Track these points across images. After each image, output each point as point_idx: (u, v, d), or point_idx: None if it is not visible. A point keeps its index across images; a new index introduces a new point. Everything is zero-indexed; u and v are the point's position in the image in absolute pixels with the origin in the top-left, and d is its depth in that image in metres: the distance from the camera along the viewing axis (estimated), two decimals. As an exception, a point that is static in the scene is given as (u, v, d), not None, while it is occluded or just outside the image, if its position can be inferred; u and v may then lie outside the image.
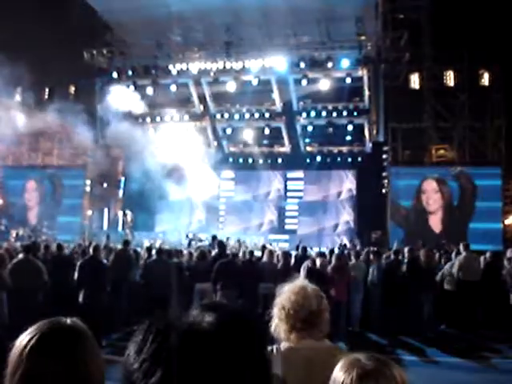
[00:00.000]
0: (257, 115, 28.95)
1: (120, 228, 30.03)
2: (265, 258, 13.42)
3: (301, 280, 3.08)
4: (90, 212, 30.62)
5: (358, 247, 20.68)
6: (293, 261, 13.74)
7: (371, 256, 14.31)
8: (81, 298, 11.29)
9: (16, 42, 26.99)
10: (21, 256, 11.18)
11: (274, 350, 2.83)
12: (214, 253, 14.48)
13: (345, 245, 21.65)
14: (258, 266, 13.25)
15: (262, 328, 1.10)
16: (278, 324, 2.90)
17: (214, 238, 19.40)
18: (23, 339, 1.52)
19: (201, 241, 23.32)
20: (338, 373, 1.90)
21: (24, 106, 32.76)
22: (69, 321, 1.61)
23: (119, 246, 14.95)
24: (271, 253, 13.60)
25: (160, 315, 1.03)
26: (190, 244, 20.84)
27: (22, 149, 34.88)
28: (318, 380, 2.66)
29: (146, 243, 21.82)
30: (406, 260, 14.00)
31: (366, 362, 1.88)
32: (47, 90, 31.26)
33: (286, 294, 2.94)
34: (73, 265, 12.02)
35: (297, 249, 16.42)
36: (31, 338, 1.51)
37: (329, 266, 12.22)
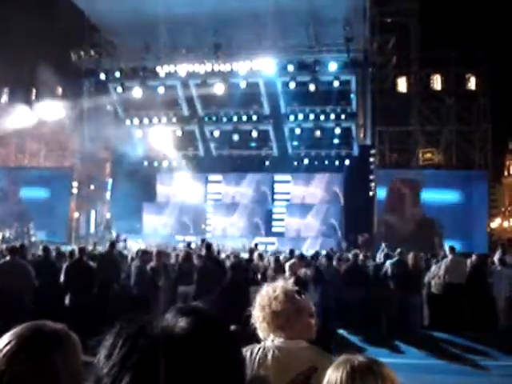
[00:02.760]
0: (245, 118, 28.87)
1: (102, 229, 29.91)
2: (255, 261, 13.40)
3: (280, 281, 3.09)
4: (76, 214, 30.49)
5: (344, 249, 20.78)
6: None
7: (323, 259, 14.42)
8: (67, 301, 11.25)
9: (3, 42, 26.85)
10: (7, 258, 11.11)
11: (249, 352, 2.84)
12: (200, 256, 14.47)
13: (331, 248, 21.63)
14: (246, 268, 13.19)
15: (237, 333, 1.09)
16: (258, 323, 2.93)
17: (203, 240, 19.40)
18: (2, 342, 1.51)
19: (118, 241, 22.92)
20: (331, 372, 1.93)
21: (11, 107, 32.58)
22: (49, 325, 1.61)
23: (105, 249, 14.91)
24: (261, 256, 13.63)
25: (132, 319, 1.01)
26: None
27: (8, 150, 34.69)
28: (285, 381, 2.70)
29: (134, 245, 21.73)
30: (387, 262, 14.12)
31: (356, 360, 1.91)
32: (34, 90, 31.11)
33: (264, 294, 2.95)
34: (59, 267, 11.97)
35: (291, 253, 16.20)
36: (10, 342, 1.50)
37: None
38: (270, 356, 2.79)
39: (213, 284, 11.50)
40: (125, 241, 23.68)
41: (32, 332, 1.55)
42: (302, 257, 13.89)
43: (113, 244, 14.14)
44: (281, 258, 14.67)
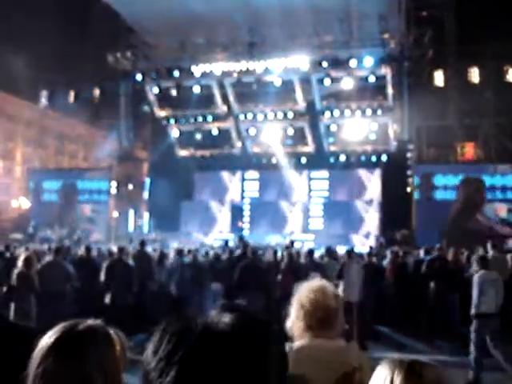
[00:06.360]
0: (280, 115, 28.91)
1: (146, 229, 30.30)
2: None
3: (319, 279, 3.07)
4: (115, 213, 30.88)
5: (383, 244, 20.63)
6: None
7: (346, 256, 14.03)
8: (107, 299, 11.40)
9: (41, 46, 27.34)
10: (49, 258, 11.30)
11: (287, 349, 2.80)
12: (237, 253, 14.58)
13: (369, 245, 21.50)
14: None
15: (280, 330, 1.12)
16: (294, 322, 2.87)
17: (241, 238, 19.56)
18: (44, 339, 1.60)
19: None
20: (380, 373, 1.90)
21: (50, 109, 33.14)
22: (86, 323, 1.67)
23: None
24: (298, 254, 13.64)
25: (177, 316, 1.06)
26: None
27: (48, 152, 35.32)
28: (327, 380, 2.66)
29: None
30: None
31: (407, 362, 1.87)
32: (72, 93, 31.58)
33: (304, 292, 2.90)
34: (100, 266, 12.14)
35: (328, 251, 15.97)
36: (47, 340, 1.59)
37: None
38: (309, 355, 2.75)
39: (249, 282, 11.53)
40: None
41: (66, 330, 1.62)
42: (357, 254, 13.77)
43: (143, 243, 14.29)
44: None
